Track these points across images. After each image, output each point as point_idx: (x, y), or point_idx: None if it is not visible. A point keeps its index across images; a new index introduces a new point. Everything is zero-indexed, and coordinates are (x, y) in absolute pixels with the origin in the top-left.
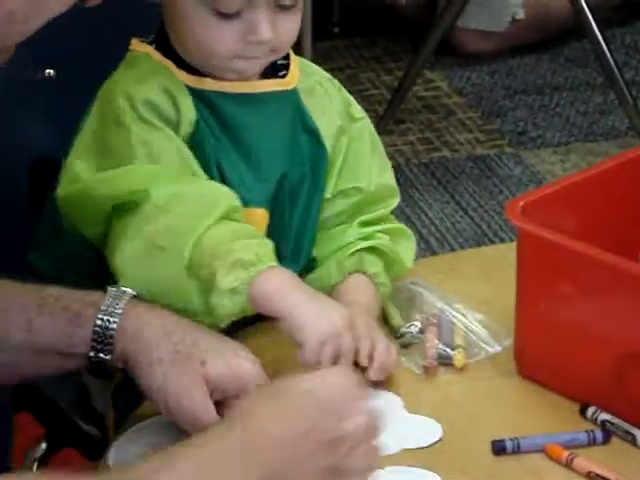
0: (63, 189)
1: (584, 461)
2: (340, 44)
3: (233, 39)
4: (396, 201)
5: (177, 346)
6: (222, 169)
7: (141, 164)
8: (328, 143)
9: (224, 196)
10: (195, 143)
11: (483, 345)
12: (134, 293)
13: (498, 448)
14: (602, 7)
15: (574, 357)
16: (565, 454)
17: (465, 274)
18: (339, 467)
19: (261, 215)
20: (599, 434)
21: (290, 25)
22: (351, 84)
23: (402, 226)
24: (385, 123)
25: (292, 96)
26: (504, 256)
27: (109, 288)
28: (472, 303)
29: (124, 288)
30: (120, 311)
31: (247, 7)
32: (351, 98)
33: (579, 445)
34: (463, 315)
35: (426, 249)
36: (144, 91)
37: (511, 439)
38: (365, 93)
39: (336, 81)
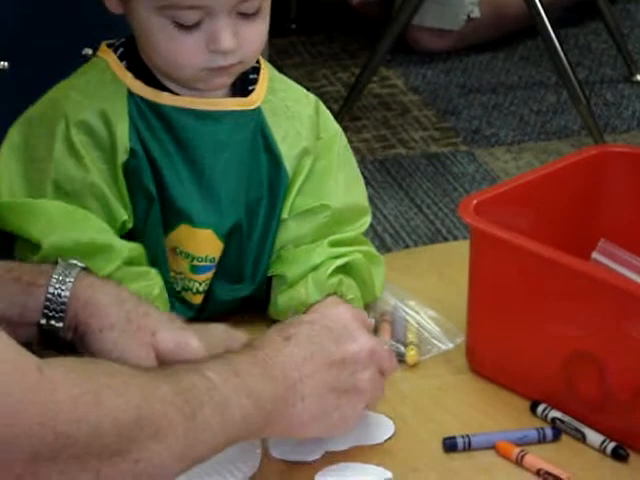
0: None
1: (534, 458)
2: (297, 41)
3: (196, 50)
4: (367, 220)
5: (129, 314)
6: (168, 187)
7: (52, 190)
8: (289, 165)
9: (118, 248)
10: (131, 171)
11: (435, 342)
12: (84, 265)
13: (449, 445)
14: (556, 7)
15: (525, 355)
16: (516, 451)
17: (419, 271)
18: (346, 386)
19: (207, 235)
20: (549, 431)
21: (254, 34)
22: (308, 81)
23: (373, 250)
24: (341, 120)
25: (254, 116)
26: (457, 254)
27: (60, 260)
28: (425, 300)
29: (74, 261)
30: (72, 279)
31: (206, 17)
32: (326, 114)
33: (530, 442)
34: (416, 312)
35: (380, 246)
36: (83, 111)
37: (462, 436)
38: (321, 90)
39: (312, 97)
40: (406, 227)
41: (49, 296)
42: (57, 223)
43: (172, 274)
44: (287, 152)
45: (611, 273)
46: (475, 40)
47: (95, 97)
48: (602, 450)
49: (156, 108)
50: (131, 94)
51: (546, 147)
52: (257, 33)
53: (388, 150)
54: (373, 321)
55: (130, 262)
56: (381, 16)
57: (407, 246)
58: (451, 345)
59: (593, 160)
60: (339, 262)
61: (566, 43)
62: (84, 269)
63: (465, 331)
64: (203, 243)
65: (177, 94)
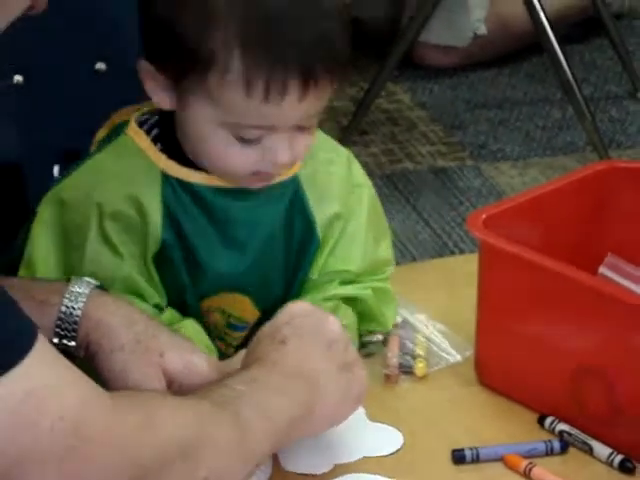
0: (20, 274)
1: (542, 471)
2: None
3: (252, 160)
4: (389, 270)
5: (138, 336)
6: (204, 264)
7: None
8: (321, 230)
9: None
10: (163, 261)
11: (444, 355)
12: (98, 283)
13: (457, 457)
14: (562, 23)
15: (533, 368)
16: (524, 464)
17: (426, 285)
18: (346, 361)
19: (245, 303)
20: (557, 444)
21: (307, 142)
22: None
23: (387, 287)
24: (349, 135)
25: (291, 184)
26: (465, 267)
27: (73, 277)
28: (433, 313)
29: (87, 278)
30: (84, 298)
31: (265, 136)
32: (357, 168)
33: (537, 455)
34: (424, 325)
35: None
36: (116, 202)
37: (470, 448)
38: (330, 105)
39: (343, 151)
40: (413, 240)
41: (61, 315)
42: None
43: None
44: (320, 217)
45: (618, 287)
46: (481, 56)
47: (129, 185)
48: (609, 463)
49: (190, 188)
50: (165, 176)
51: (552, 162)
52: (309, 141)
53: (395, 165)
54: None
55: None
56: (389, 33)
57: (414, 259)
58: (459, 358)
59: (600, 175)
60: (343, 292)
61: (571, 59)
62: (97, 287)
63: (473, 344)
64: (240, 307)
65: (209, 174)
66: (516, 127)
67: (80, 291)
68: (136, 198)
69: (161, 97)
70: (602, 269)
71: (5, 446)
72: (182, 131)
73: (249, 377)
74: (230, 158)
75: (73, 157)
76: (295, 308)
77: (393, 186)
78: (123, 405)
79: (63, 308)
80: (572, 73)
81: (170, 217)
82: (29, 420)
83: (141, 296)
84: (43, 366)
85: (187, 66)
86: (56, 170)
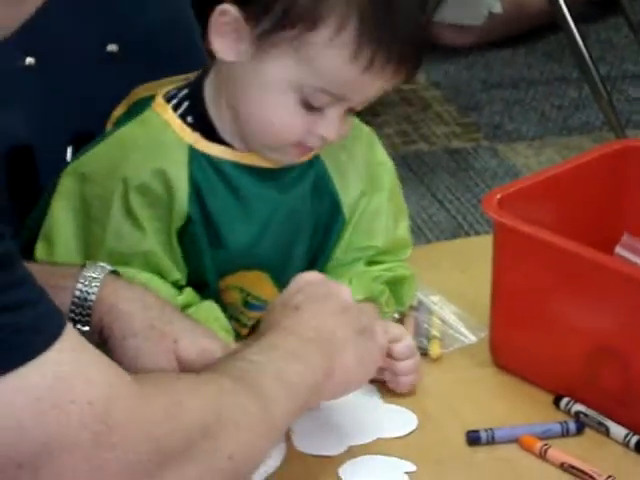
0: (38, 249)
1: (558, 452)
2: None
3: (304, 128)
4: (408, 252)
5: (153, 321)
6: (226, 241)
7: (106, 257)
8: (347, 210)
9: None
10: (186, 236)
11: (458, 336)
12: (112, 268)
13: (472, 438)
14: (578, 2)
15: (548, 348)
16: (539, 445)
17: (441, 266)
18: (362, 326)
19: (264, 280)
20: (572, 425)
21: (348, 125)
22: None
23: (407, 269)
24: (363, 116)
25: (314, 164)
26: (480, 248)
27: (87, 262)
28: (448, 295)
29: (102, 263)
30: (99, 283)
31: (329, 105)
32: (378, 146)
33: (553, 436)
34: (439, 307)
35: None
36: (142, 174)
37: (485, 430)
38: None
39: (365, 129)
40: (428, 222)
41: (75, 300)
42: None
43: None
44: (346, 198)
45: (634, 267)
46: (497, 36)
47: (156, 158)
48: (626, 443)
49: (217, 164)
50: (192, 151)
51: (568, 142)
52: (350, 125)
53: (410, 146)
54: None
55: (185, 307)
56: None
57: (429, 241)
58: (474, 339)
59: (616, 155)
60: (388, 274)
61: (588, 38)
62: (112, 272)
63: (488, 325)
64: (259, 286)
65: (237, 150)
66: (532, 107)
67: (94, 276)
68: (163, 172)
69: (231, 46)
70: (618, 249)
71: (34, 432)
72: (230, 93)
73: (266, 345)
74: (284, 120)
75: (85, 139)
76: (306, 277)
77: (407, 167)
78: (149, 390)
79: (77, 293)
80: (588, 52)
81: (196, 192)
82: (58, 406)
83: (161, 272)
84: (71, 352)
85: (290, 21)
86: (69, 152)
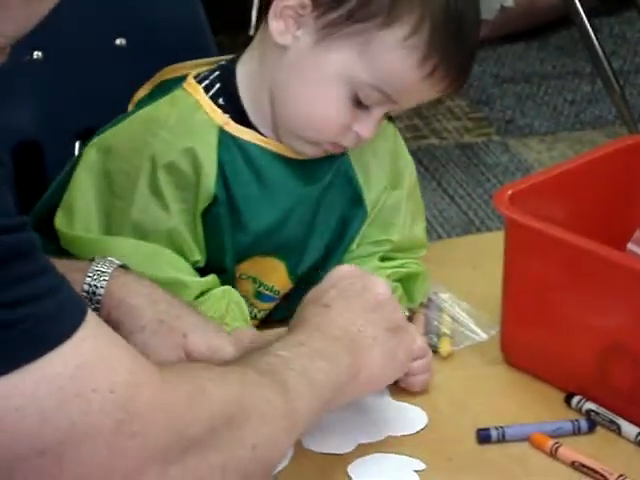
0: (58, 218)
1: (569, 450)
2: None
3: (346, 124)
4: (422, 252)
5: (161, 315)
6: (247, 225)
7: (131, 231)
8: (369, 204)
9: (191, 285)
10: (211, 217)
11: (469, 333)
12: (121, 263)
13: (483, 436)
14: None
15: (560, 346)
16: (550, 443)
17: (452, 262)
18: (394, 324)
19: (279, 270)
20: (584, 423)
21: (380, 124)
22: None
23: (421, 267)
24: None
25: (338, 157)
26: (491, 245)
27: (96, 257)
28: (459, 292)
29: (111, 258)
30: (107, 277)
31: (377, 105)
32: (402, 144)
33: (564, 434)
34: (450, 304)
35: None
36: (171, 153)
37: (496, 428)
38: None
39: (391, 126)
40: (439, 218)
41: (84, 293)
42: (129, 261)
43: None
44: (369, 193)
45: None
46: (509, 30)
47: (185, 138)
48: (637, 442)
49: (244, 147)
50: (221, 132)
51: (580, 137)
52: (381, 125)
53: (421, 140)
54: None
55: (203, 293)
56: None
57: (440, 237)
58: (485, 336)
59: (629, 150)
60: (402, 270)
61: (600, 32)
62: (121, 266)
63: (499, 322)
64: (273, 274)
65: (265, 136)
66: (544, 101)
67: (103, 270)
68: (192, 152)
69: (288, 30)
70: (630, 245)
71: (57, 420)
72: (275, 77)
73: (293, 342)
74: (330, 113)
75: (93, 134)
76: (342, 271)
77: (418, 162)
78: (171, 378)
79: (86, 287)
80: (601, 46)
81: (222, 174)
82: (80, 394)
83: (182, 252)
84: (93, 340)
85: (365, 14)
86: (76, 147)
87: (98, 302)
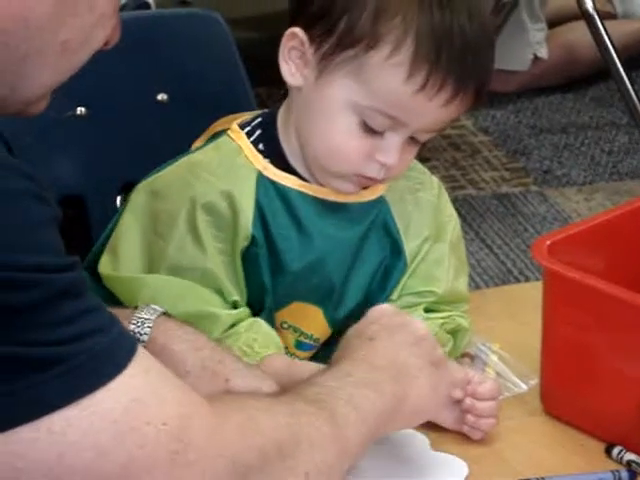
0: (102, 261)
1: None
2: None
3: (365, 154)
4: (465, 307)
5: (204, 362)
6: (285, 269)
7: (166, 264)
8: (409, 254)
9: (222, 317)
10: (249, 258)
11: (509, 384)
12: (164, 310)
13: None
14: (627, 47)
15: (600, 397)
16: None
17: (491, 312)
18: (436, 358)
19: (318, 318)
20: (625, 474)
21: (410, 156)
22: None
23: (465, 324)
24: None
25: (378, 205)
26: (529, 295)
27: (139, 304)
28: (497, 342)
29: (154, 305)
30: (151, 324)
31: (390, 130)
32: (445, 197)
33: None
34: (489, 354)
35: None
36: (211, 193)
37: (537, 479)
38: None
39: (435, 180)
40: (477, 268)
41: None
42: (161, 297)
43: None
44: (409, 242)
45: None
46: (545, 82)
47: (225, 180)
48: None
49: (283, 191)
50: (260, 176)
51: (618, 187)
52: (411, 158)
53: (458, 191)
54: None
55: (234, 325)
56: None
57: (478, 287)
58: (525, 387)
59: None
60: (454, 322)
61: (637, 83)
62: (164, 313)
63: (538, 373)
64: (312, 322)
65: (305, 180)
66: (581, 152)
67: (147, 317)
68: (230, 193)
69: (298, 71)
70: None
71: (114, 454)
72: (297, 118)
73: (340, 373)
74: (345, 143)
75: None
76: (380, 308)
77: (456, 212)
78: (221, 408)
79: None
80: (638, 97)
81: (261, 216)
82: (134, 428)
83: (219, 290)
84: (143, 375)
85: (351, 40)
86: (118, 201)
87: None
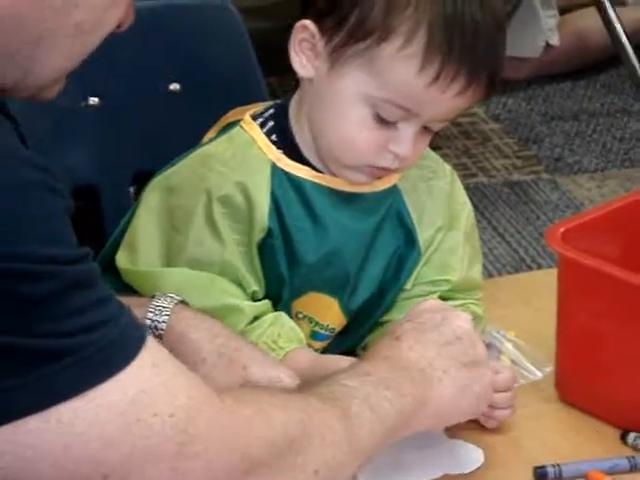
0: (120, 256)
1: None
2: None
3: (377, 144)
4: (479, 295)
5: (221, 349)
6: (301, 260)
7: (185, 258)
8: (423, 243)
9: (245, 309)
10: (265, 249)
11: (524, 372)
12: (181, 298)
13: (540, 474)
14: (638, 34)
15: (615, 383)
16: None
17: (504, 300)
18: (471, 359)
19: (333, 307)
20: None
21: (422, 147)
22: None
23: (480, 312)
24: None
25: (391, 194)
26: (542, 282)
27: (157, 293)
28: (512, 329)
29: (171, 294)
30: (168, 312)
31: (402, 120)
32: (458, 185)
33: (620, 471)
34: (503, 342)
35: None
36: (226, 186)
37: (552, 465)
38: None
39: (448, 168)
40: (489, 256)
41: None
42: (184, 290)
43: None
44: (423, 231)
45: None
46: (556, 69)
47: (239, 171)
48: None
49: (297, 182)
50: (274, 167)
51: (630, 174)
52: (424, 147)
53: (469, 179)
54: None
55: (257, 317)
56: None
57: (491, 275)
58: (540, 374)
59: None
60: (472, 308)
61: None
62: (181, 302)
63: (553, 360)
64: (328, 313)
65: (318, 170)
66: (593, 139)
67: (164, 305)
68: (245, 185)
69: (309, 63)
70: None
71: (119, 444)
72: (309, 109)
73: (360, 372)
74: (359, 135)
75: (148, 178)
76: (425, 305)
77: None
78: (231, 400)
79: (148, 322)
80: None
81: (276, 207)
82: (141, 419)
83: (238, 282)
84: (151, 367)
85: (363, 33)
86: (131, 192)
87: (160, 337)
